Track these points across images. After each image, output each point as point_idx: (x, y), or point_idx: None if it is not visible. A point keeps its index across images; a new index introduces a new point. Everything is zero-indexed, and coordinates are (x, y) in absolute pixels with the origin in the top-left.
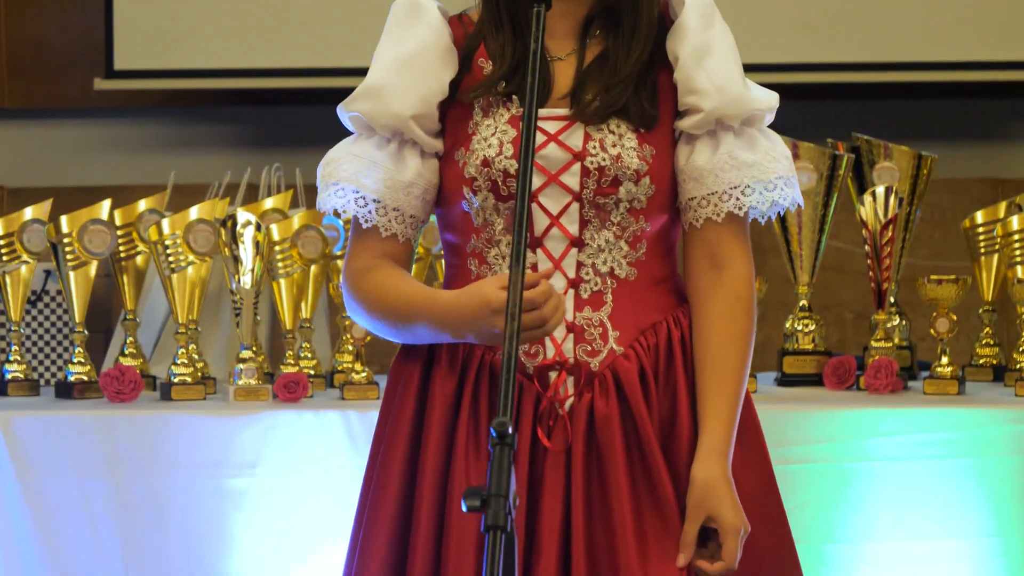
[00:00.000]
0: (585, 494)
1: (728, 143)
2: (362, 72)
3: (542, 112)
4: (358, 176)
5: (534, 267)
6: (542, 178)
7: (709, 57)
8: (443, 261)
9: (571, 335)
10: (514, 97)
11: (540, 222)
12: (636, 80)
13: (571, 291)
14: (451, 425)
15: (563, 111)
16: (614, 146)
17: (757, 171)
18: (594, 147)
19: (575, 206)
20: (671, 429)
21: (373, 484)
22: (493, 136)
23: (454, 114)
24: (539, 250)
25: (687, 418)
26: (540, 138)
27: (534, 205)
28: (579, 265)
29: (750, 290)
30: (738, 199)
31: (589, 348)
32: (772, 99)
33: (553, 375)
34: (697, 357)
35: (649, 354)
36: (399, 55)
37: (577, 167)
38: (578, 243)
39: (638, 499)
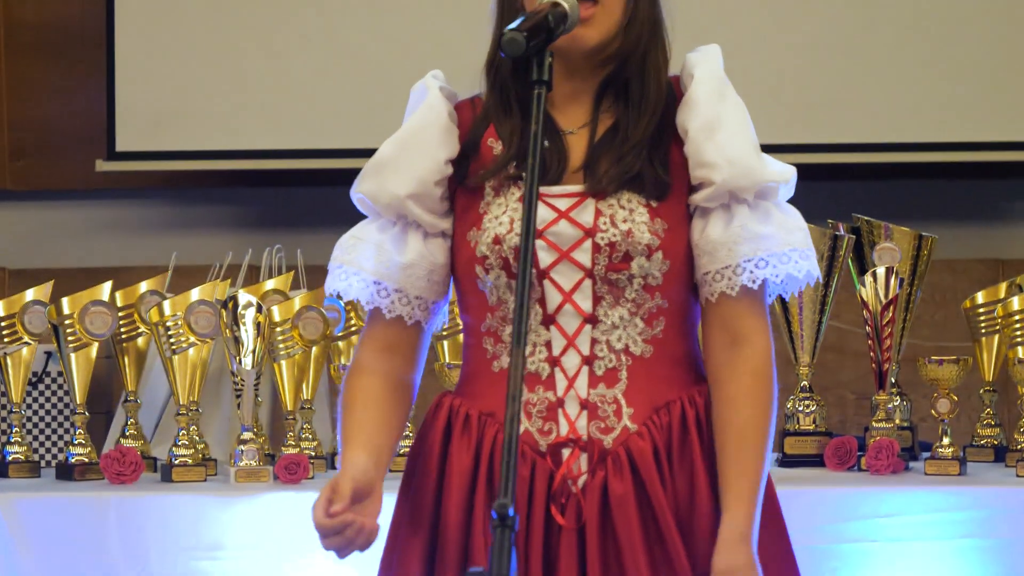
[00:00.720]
0: (602, 574)
1: (742, 216)
2: (363, 153)
3: (554, 189)
4: (360, 259)
5: (548, 344)
6: (553, 255)
7: (720, 130)
8: (444, 343)
9: (584, 412)
10: (524, 175)
11: (553, 299)
12: (648, 148)
13: (585, 368)
14: (468, 500)
15: (575, 187)
16: (625, 221)
17: (771, 243)
18: (604, 223)
19: (587, 282)
20: (690, 508)
21: (395, 559)
22: (504, 214)
23: (465, 196)
24: (552, 327)
25: (707, 497)
26: (551, 215)
27: (546, 282)
28: (593, 342)
29: (769, 365)
30: (752, 272)
31: (603, 425)
32: (787, 172)
33: (566, 452)
34: (718, 437)
35: (663, 433)
36: (399, 136)
37: (588, 243)
38: (592, 320)
39: None
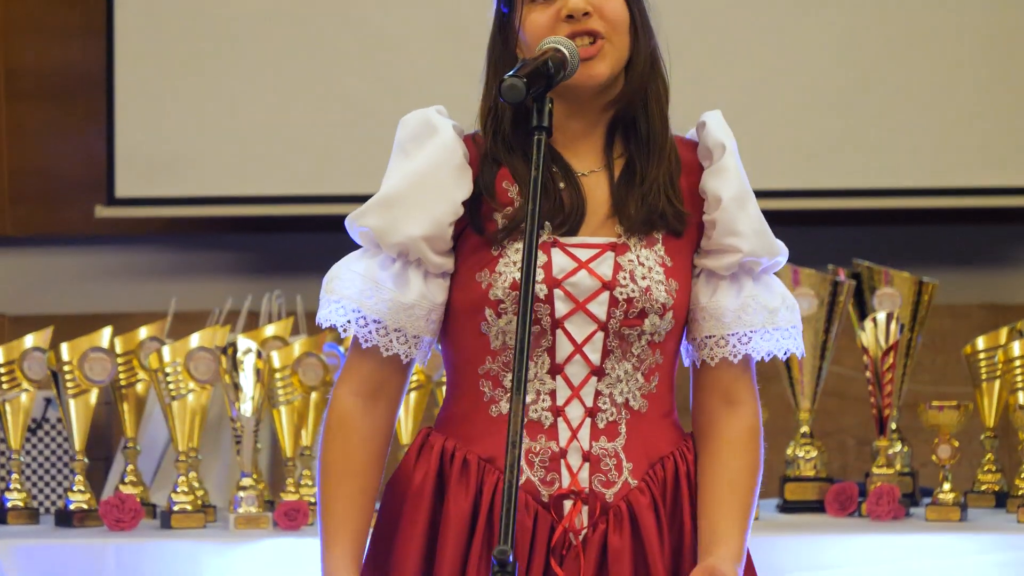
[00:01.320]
0: None
1: (749, 287)
2: (362, 199)
3: (574, 239)
4: (361, 296)
5: (552, 394)
6: (569, 305)
7: (748, 202)
8: (443, 389)
9: (587, 464)
10: (547, 224)
11: (563, 349)
12: (664, 185)
13: (588, 420)
14: (465, 548)
15: (599, 239)
16: (644, 278)
17: (777, 318)
18: (624, 277)
19: (600, 335)
20: (679, 561)
21: None
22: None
23: (476, 236)
24: (559, 377)
25: (690, 556)
26: (571, 264)
27: (559, 332)
28: (597, 394)
29: (760, 426)
30: (757, 343)
31: (604, 479)
32: (786, 251)
33: (568, 504)
34: (709, 483)
35: (659, 487)
36: (413, 171)
37: (605, 296)
38: (599, 372)
39: None
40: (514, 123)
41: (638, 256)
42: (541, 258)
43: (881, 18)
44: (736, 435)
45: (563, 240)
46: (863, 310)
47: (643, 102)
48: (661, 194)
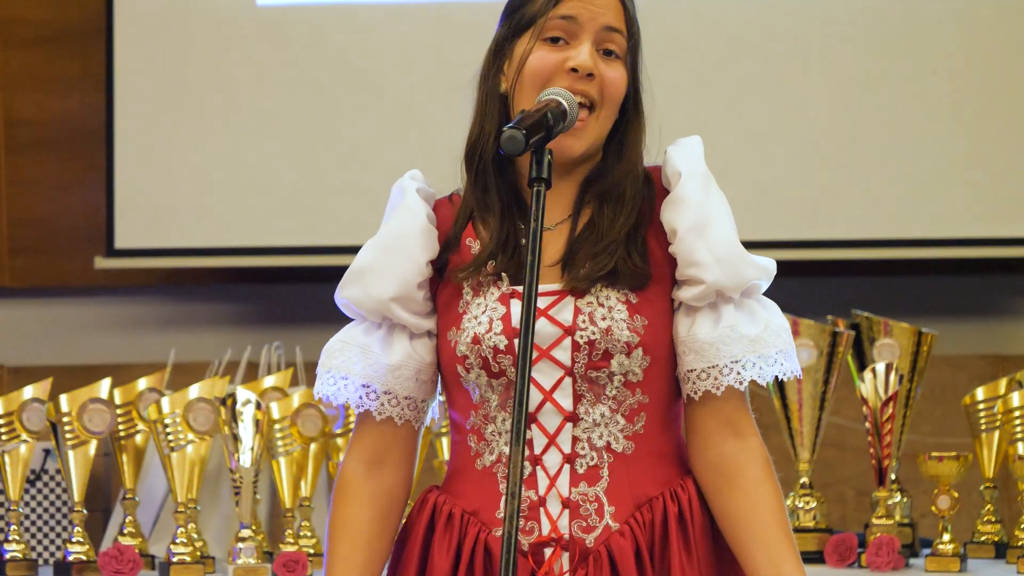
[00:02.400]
0: None
1: (729, 315)
2: (360, 250)
3: None
4: (348, 363)
5: (529, 443)
6: (533, 353)
7: (709, 229)
8: (444, 440)
9: (566, 511)
10: (503, 275)
11: (534, 398)
12: (624, 243)
13: (567, 466)
14: None
15: (554, 285)
16: (604, 319)
17: (759, 345)
18: (584, 321)
19: (568, 381)
20: None
21: None
22: (484, 314)
23: (446, 294)
24: (534, 426)
25: None
26: None
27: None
28: (574, 440)
29: (770, 458)
30: (739, 373)
31: (584, 524)
32: (770, 267)
33: (548, 552)
34: (750, 518)
35: (645, 531)
36: (380, 239)
37: (568, 342)
38: (572, 418)
39: None
40: (495, 172)
41: (598, 297)
42: (500, 310)
43: (878, 69)
44: (756, 471)
45: (521, 290)
46: (862, 361)
47: (613, 165)
48: (616, 254)
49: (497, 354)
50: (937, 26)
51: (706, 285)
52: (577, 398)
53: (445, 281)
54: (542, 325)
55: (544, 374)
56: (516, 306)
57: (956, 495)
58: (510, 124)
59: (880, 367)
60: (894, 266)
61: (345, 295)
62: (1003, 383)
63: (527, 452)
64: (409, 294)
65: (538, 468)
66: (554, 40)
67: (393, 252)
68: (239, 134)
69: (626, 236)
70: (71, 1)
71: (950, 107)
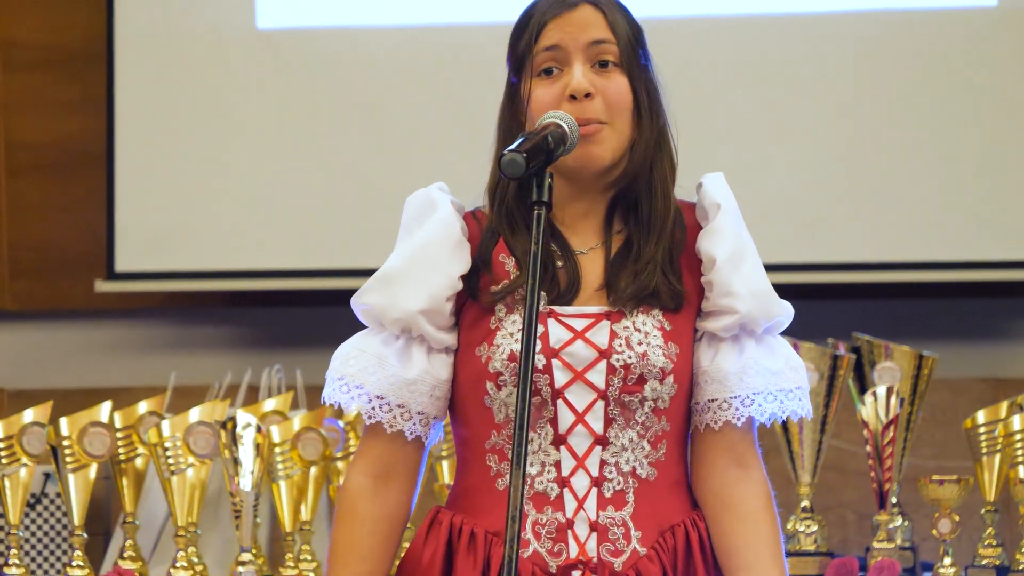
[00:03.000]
0: None
1: (751, 349)
2: (362, 273)
3: (569, 310)
4: (363, 373)
5: (557, 464)
6: (568, 375)
7: (745, 262)
8: (444, 463)
9: (594, 534)
10: (543, 294)
11: (565, 419)
12: (662, 264)
13: (594, 490)
14: None
15: (591, 308)
16: (640, 344)
17: (780, 380)
18: (620, 344)
19: (600, 404)
20: None
21: None
22: (520, 331)
23: (475, 310)
24: (563, 447)
25: None
26: (567, 335)
27: (560, 402)
28: (602, 463)
29: (772, 490)
30: (760, 405)
31: (612, 548)
32: (790, 310)
33: (576, 574)
34: (743, 548)
35: (670, 556)
36: (411, 248)
37: (603, 364)
38: (602, 441)
39: None
40: (517, 197)
41: (634, 322)
42: (538, 329)
43: (880, 93)
44: (760, 501)
45: (559, 310)
46: (863, 384)
47: (647, 183)
48: (656, 272)
49: (534, 372)
50: (939, 49)
51: (739, 316)
52: (608, 421)
53: (478, 298)
54: (578, 347)
55: (577, 396)
56: (554, 326)
57: (957, 518)
58: (510, 148)
59: (881, 390)
60: (895, 289)
61: (368, 301)
62: (1004, 406)
63: (554, 473)
64: (437, 307)
65: (565, 490)
66: (548, 72)
67: (424, 264)
68: (239, 157)
69: (663, 256)
70: (71, 24)
71: (950, 130)
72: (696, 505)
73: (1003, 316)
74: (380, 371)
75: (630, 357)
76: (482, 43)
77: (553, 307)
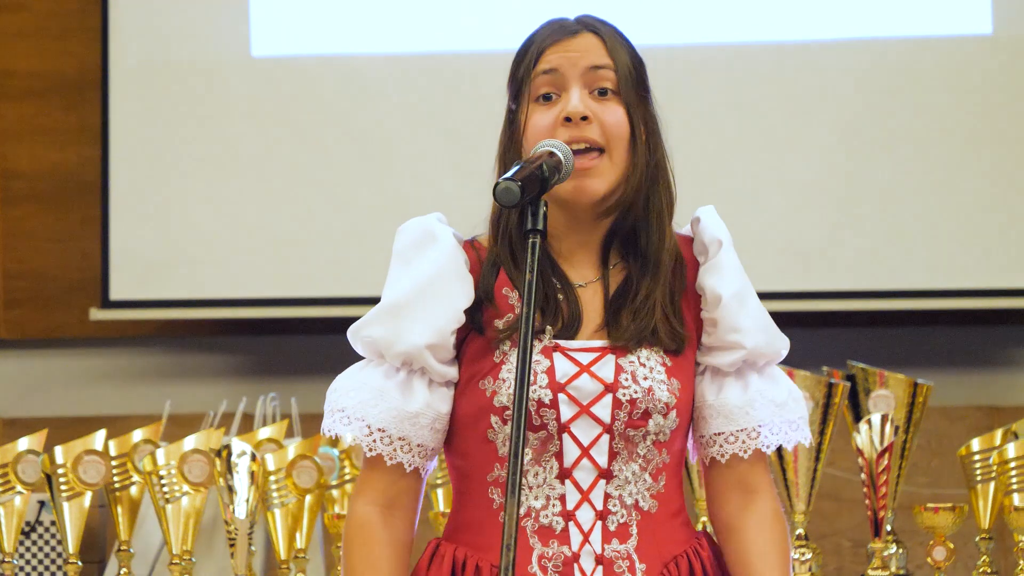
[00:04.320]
0: None
1: (755, 382)
2: (357, 302)
3: (574, 344)
4: (364, 406)
5: (562, 498)
6: (574, 409)
7: (749, 298)
8: (439, 492)
9: (600, 567)
10: (547, 328)
11: (571, 453)
12: (663, 305)
13: (599, 523)
14: None
15: (595, 342)
16: (645, 379)
17: (786, 411)
18: (626, 379)
19: (605, 438)
20: None
21: None
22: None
23: (477, 343)
24: (568, 481)
25: None
26: (573, 368)
27: (566, 436)
28: (607, 497)
29: (781, 509)
30: (766, 437)
31: None
32: (787, 342)
33: None
34: (744, 560)
35: None
36: (415, 280)
37: (609, 399)
38: (607, 475)
39: None
40: (519, 226)
41: (639, 357)
42: (544, 363)
43: (873, 121)
44: (761, 516)
45: (564, 345)
46: (858, 412)
47: (644, 215)
48: (656, 312)
49: (541, 407)
50: (934, 77)
51: (747, 351)
52: (613, 455)
53: (477, 330)
54: (584, 381)
55: (583, 430)
56: (559, 360)
57: (952, 546)
58: (505, 176)
59: (876, 418)
60: (890, 317)
61: (372, 333)
62: (999, 434)
63: (559, 507)
64: (443, 342)
65: (571, 524)
66: (546, 97)
67: (430, 297)
68: (234, 185)
69: (663, 298)
70: (67, 53)
71: (945, 158)
72: (697, 535)
73: (998, 344)
74: (381, 404)
75: (636, 392)
76: (477, 72)
77: (558, 341)
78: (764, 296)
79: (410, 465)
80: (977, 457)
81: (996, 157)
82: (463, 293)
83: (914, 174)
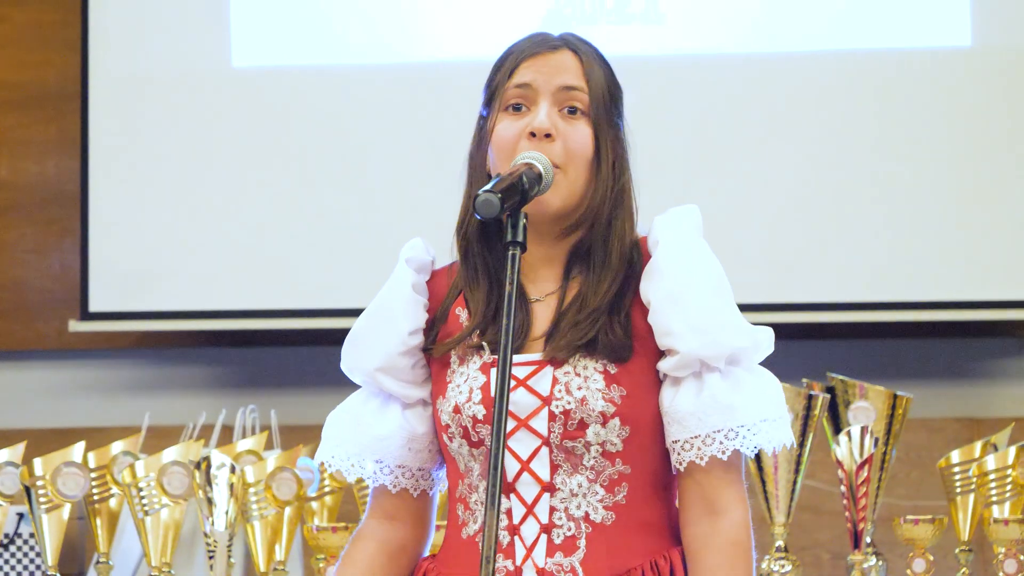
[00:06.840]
0: None
1: (712, 385)
2: (336, 314)
3: (516, 358)
4: (340, 431)
5: (508, 512)
6: (512, 423)
7: (686, 298)
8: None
9: None
10: (485, 345)
11: (511, 467)
12: (607, 313)
13: (543, 536)
14: None
15: (534, 355)
16: (579, 389)
17: (740, 414)
18: (560, 390)
19: (545, 450)
20: None
21: None
22: (464, 383)
23: (436, 364)
24: (512, 495)
25: None
26: (510, 383)
27: (505, 451)
28: (552, 510)
29: (748, 537)
30: (721, 443)
31: None
32: (758, 335)
33: None
34: None
35: None
36: (370, 308)
37: (545, 411)
38: (550, 488)
39: None
40: (480, 241)
41: (576, 367)
42: (480, 379)
43: (852, 134)
44: (722, 555)
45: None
46: (837, 424)
47: (604, 234)
48: (596, 324)
49: (476, 423)
50: (912, 89)
51: (681, 355)
52: (554, 468)
53: (431, 352)
54: (520, 395)
55: (522, 444)
56: (496, 376)
57: (931, 558)
58: (485, 188)
59: (855, 430)
60: (869, 329)
61: (343, 365)
62: (978, 446)
63: (506, 521)
64: (394, 364)
65: (516, 538)
66: (516, 108)
67: (378, 322)
68: (214, 197)
69: (608, 306)
70: (46, 64)
71: (924, 172)
72: (673, 546)
73: (978, 356)
74: (355, 428)
75: (569, 403)
76: (460, 82)
77: (496, 356)
78: (744, 308)
79: (394, 486)
80: (957, 469)
81: (976, 169)
82: (408, 316)
83: (894, 186)
